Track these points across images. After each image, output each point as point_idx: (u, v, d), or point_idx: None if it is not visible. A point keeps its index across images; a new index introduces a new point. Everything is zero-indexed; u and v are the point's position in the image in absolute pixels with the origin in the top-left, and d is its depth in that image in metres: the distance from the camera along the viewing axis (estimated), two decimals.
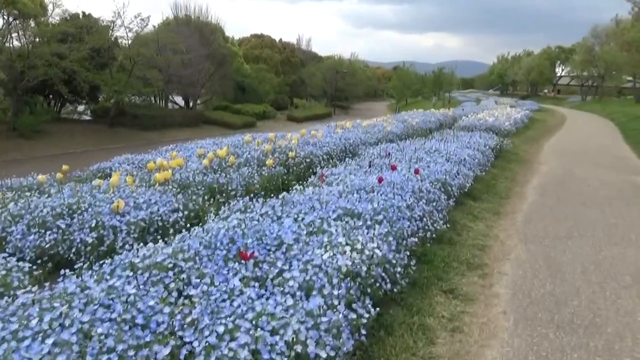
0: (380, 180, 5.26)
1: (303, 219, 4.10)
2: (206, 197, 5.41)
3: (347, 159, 7.80)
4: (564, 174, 9.66)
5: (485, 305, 3.83)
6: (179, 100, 38.52)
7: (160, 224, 4.53)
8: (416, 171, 5.95)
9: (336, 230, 3.78)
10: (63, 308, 2.58)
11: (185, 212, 4.81)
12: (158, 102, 36.65)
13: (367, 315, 2.97)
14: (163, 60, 28.62)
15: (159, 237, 4.30)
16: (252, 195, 5.86)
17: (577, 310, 3.80)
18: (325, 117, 44.84)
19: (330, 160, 7.93)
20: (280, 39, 55.29)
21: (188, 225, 4.67)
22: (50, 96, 27.80)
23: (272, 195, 5.78)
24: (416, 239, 4.45)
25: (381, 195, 4.97)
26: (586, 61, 47.27)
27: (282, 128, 35.63)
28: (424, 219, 4.86)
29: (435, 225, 4.97)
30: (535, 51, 72.68)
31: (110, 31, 26.74)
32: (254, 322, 2.56)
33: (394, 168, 6.09)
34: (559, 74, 71.30)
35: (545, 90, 73.48)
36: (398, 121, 13.64)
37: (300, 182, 6.38)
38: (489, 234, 5.52)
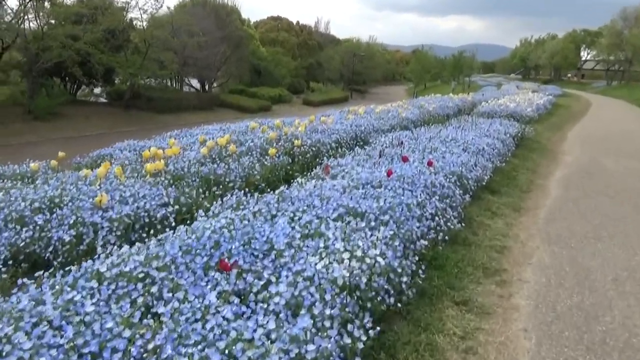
0: (389, 173, 4.78)
1: (300, 218, 3.68)
2: (202, 190, 5.00)
3: (357, 147, 7.32)
4: (589, 165, 9.01)
5: (504, 321, 3.36)
6: (195, 83, 38.21)
7: (147, 220, 4.15)
8: (429, 163, 5.44)
9: (334, 234, 3.34)
10: (8, 330, 2.21)
11: (176, 207, 4.42)
12: (174, 85, 36.39)
13: (364, 338, 2.54)
14: (178, 43, 28.25)
15: (144, 234, 3.93)
16: (251, 187, 5.46)
17: (609, 328, 3.31)
18: (342, 101, 44.10)
19: (339, 149, 7.46)
20: (298, 22, 54.37)
21: (179, 220, 4.30)
22: (67, 79, 27.70)
23: (273, 187, 5.36)
24: (426, 242, 3.99)
25: (389, 190, 4.50)
26: (613, 45, 45.34)
27: (297, 112, 35.14)
28: (437, 218, 4.38)
29: (448, 224, 4.49)
30: (559, 34, 70.28)
31: (125, 12, 26.38)
32: (226, 352, 2.16)
33: (405, 160, 5.59)
34: (583, 58, 68.86)
35: (569, 75, 71.12)
36: (414, 107, 13.03)
37: (305, 173, 5.94)
38: (508, 234, 5.01)
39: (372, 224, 3.68)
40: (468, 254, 4.34)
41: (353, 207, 3.88)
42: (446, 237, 4.38)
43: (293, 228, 3.44)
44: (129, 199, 4.29)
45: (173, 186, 4.85)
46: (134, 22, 27.53)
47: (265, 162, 6.02)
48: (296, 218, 3.66)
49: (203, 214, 4.03)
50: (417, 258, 3.71)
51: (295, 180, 5.08)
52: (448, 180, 5.29)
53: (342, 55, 48.64)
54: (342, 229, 3.45)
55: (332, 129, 8.05)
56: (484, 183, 6.29)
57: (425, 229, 4.06)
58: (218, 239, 3.23)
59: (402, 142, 7.02)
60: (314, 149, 7.01)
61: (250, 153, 6.37)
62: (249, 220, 3.61)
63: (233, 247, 3.10)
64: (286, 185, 4.37)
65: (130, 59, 26.32)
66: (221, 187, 5.20)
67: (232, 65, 37.46)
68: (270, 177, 5.90)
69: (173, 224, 4.20)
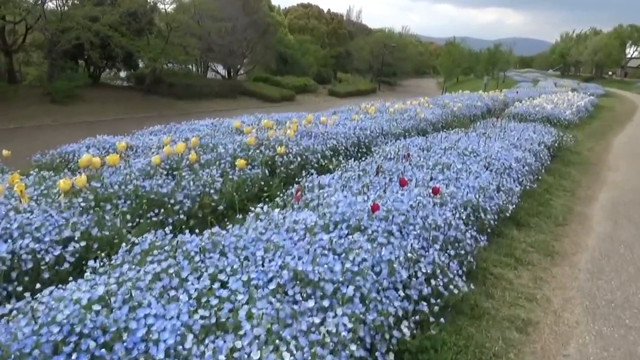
0: (374, 208, 3.46)
1: (224, 283, 2.45)
2: (132, 216, 3.81)
3: (352, 159, 6.00)
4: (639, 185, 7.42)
5: None
6: (222, 70, 37.26)
7: (32, 264, 2.99)
8: (434, 190, 4.09)
9: (253, 328, 2.08)
10: None
11: (82, 244, 3.24)
12: (199, 71, 35.52)
13: None
14: (202, 28, 27.24)
15: (22, 288, 2.79)
16: (206, 211, 4.24)
17: None
18: (370, 93, 42.41)
19: (334, 159, 6.15)
20: (329, 10, 52.57)
21: (83, 263, 3.13)
22: (89, 62, 27.17)
23: (239, 210, 4.13)
24: (411, 326, 2.68)
25: (371, 234, 3.21)
26: None
27: (322, 103, 33.77)
28: (433, 280, 3.06)
29: (451, 286, 3.15)
30: (604, 29, 66.07)
31: None
32: None
33: (403, 183, 4.25)
34: (628, 56, 64.59)
35: (610, 73, 66.89)
36: (436, 105, 11.52)
37: (283, 192, 4.67)
38: (535, 297, 3.63)
39: (325, 303, 2.40)
40: (476, 335, 3.01)
41: (304, 271, 2.60)
42: (447, 305, 3.06)
43: (196, 312, 2.20)
44: (14, 232, 3.15)
45: (92, 211, 3.67)
46: (158, 5, 26.67)
47: (232, 176, 4.78)
48: (213, 286, 2.41)
49: (101, 264, 2.83)
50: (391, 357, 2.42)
51: (256, 207, 3.81)
52: (458, 215, 3.94)
53: (372, 46, 46.76)
54: (271, 319, 2.18)
55: (331, 133, 6.74)
56: (508, 214, 4.89)
57: (409, 307, 2.74)
58: (75, 324, 2.03)
59: (409, 154, 5.65)
60: (302, 157, 5.73)
61: (218, 162, 5.14)
62: (140, 290, 2.39)
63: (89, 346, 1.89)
64: (214, 229, 3.11)
65: (152, 43, 25.50)
66: (163, 211, 4.01)
67: (258, 52, 36.33)
68: (239, 196, 4.65)
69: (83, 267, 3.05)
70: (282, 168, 5.44)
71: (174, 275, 2.54)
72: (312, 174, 4.90)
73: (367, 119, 8.40)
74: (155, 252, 2.87)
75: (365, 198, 3.89)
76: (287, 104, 32.26)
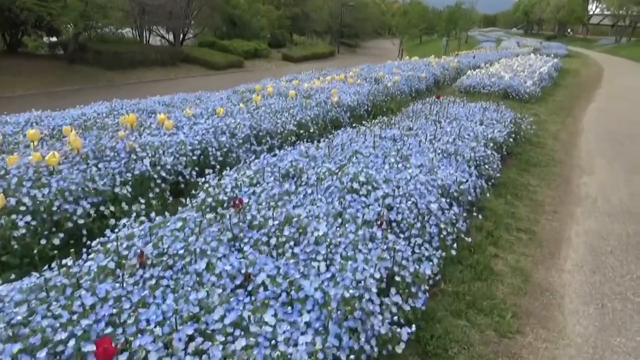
0: None
1: None
2: None
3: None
4: (629, 203, 4.98)
5: None
6: (170, 36, 32.94)
7: None
8: None
9: None
10: None
11: None
12: (138, 37, 31.32)
13: None
14: None
15: None
16: None
17: None
18: (327, 56, 38.97)
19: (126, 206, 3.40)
20: None
21: None
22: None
23: None
24: None
25: None
26: None
27: (274, 69, 30.39)
28: None
29: None
30: None
31: None
32: None
33: None
34: (590, 12, 62.23)
35: (570, 30, 64.58)
36: (366, 80, 8.76)
37: None
38: None
39: None
40: None
41: None
42: None
43: None
44: None
45: None
46: None
47: None
48: None
49: None
50: None
51: None
52: None
53: (331, 5, 42.87)
54: None
55: (153, 145, 3.98)
56: (403, 341, 2.33)
57: None
58: None
59: (237, 203, 2.95)
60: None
61: None
62: None
63: None
64: None
65: (70, 4, 21.51)
66: None
67: (205, 14, 32.30)
68: None
69: None
70: None
71: None
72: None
73: (250, 109, 5.62)
74: None
75: None
76: (235, 70, 28.82)
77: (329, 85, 7.75)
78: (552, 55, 20.58)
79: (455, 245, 3.21)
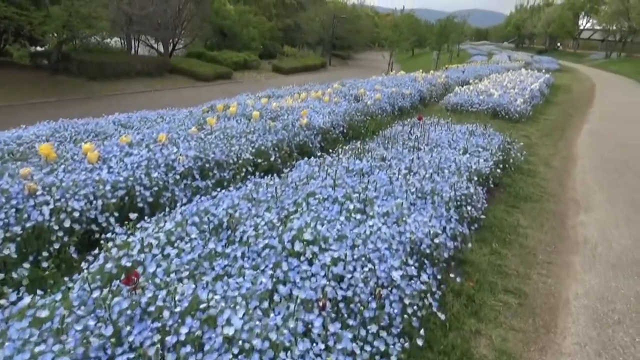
0: None
1: None
2: None
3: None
4: (636, 250, 4.25)
5: None
6: (160, 47, 32.19)
7: None
8: None
9: None
10: None
11: None
12: (126, 47, 30.57)
13: None
14: None
15: None
16: None
17: None
18: (319, 68, 38.36)
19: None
20: None
21: None
22: None
23: None
24: None
25: None
26: (618, 12, 39.22)
27: (264, 81, 29.67)
28: None
29: None
30: (557, 0, 63.37)
31: None
32: None
33: None
34: (581, 27, 62.31)
35: (559, 45, 64.59)
36: (345, 97, 8.05)
37: None
38: None
39: None
40: None
41: None
42: None
43: None
44: None
45: None
46: None
47: None
48: None
49: None
50: None
51: None
52: None
53: (323, 17, 42.42)
54: None
55: (74, 180, 3.21)
56: None
57: None
58: None
59: (135, 273, 2.19)
60: None
61: None
62: None
63: None
64: None
65: (52, 14, 20.74)
66: None
67: (195, 24, 31.64)
68: None
69: None
70: None
71: None
72: None
73: (203, 133, 4.86)
74: None
75: None
76: (223, 82, 28.07)
77: (301, 104, 7.01)
78: (543, 70, 20.04)
79: (422, 332, 2.43)
